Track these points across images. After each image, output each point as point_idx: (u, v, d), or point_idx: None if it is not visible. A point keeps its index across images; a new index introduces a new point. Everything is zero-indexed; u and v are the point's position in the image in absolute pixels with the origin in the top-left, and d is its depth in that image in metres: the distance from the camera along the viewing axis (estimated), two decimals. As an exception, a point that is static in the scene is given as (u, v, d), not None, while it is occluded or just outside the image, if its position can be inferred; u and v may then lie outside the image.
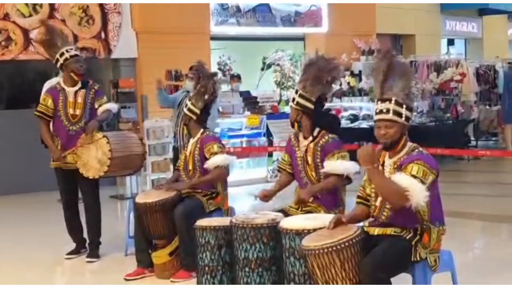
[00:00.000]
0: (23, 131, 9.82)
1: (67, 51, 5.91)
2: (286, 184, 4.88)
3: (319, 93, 4.60)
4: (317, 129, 4.64)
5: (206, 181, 5.36)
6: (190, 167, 5.43)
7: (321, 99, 4.66)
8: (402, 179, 3.50)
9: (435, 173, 3.59)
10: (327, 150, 4.56)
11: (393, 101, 3.65)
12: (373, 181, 3.67)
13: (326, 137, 4.60)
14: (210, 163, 5.29)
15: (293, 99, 4.68)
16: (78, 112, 5.94)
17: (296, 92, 4.67)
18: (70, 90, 5.96)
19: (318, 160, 4.60)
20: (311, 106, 4.61)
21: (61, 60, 5.90)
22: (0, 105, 11.23)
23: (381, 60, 3.75)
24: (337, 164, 4.49)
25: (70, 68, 5.92)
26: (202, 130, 5.47)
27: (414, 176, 3.51)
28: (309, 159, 4.62)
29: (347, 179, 4.54)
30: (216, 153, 5.29)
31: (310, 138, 4.64)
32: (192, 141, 5.49)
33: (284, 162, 4.87)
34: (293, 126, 4.74)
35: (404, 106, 3.67)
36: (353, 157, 4.70)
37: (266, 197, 4.74)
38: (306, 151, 4.64)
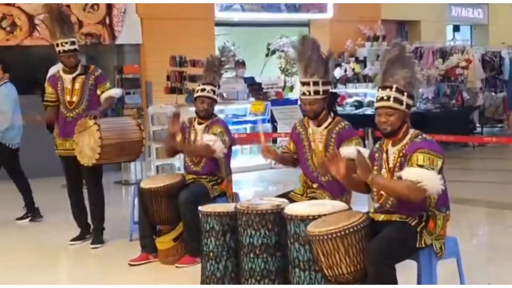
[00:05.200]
0: (28, 116, 9.81)
1: (62, 44, 5.82)
2: (287, 161, 4.76)
3: (331, 73, 4.54)
4: (331, 114, 4.56)
5: (189, 151, 5.41)
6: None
7: None
8: (410, 173, 3.50)
9: (442, 157, 3.58)
10: (345, 136, 4.47)
11: (394, 88, 3.64)
12: (382, 188, 3.65)
13: (343, 124, 4.52)
14: (204, 139, 5.28)
15: (317, 92, 4.42)
16: (75, 98, 5.92)
17: (317, 83, 4.42)
18: (67, 78, 5.95)
19: (331, 147, 4.48)
20: (330, 88, 4.56)
21: (56, 50, 5.89)
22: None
23: (389, 50, 3.73)
24: (355, 149, 4.41)
25: (61, 60, 5.96)
26: (213, 114, 5.52)
27: (421, 166, 3.49)
28: (320, 146, 4.53)
29: None
30: (215, 135, 5.28)
31: (325, 124, 4.53)
32: (200, 127, 5.45)
33: (288, 148, 4.78)
34: (316, 118, 4.51)
35: (405, 93, 3.65)
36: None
37: (268, 152, 4.61)
38: (316, 138, 4.55)
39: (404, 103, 3.65)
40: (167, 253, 5.32)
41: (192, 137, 5.47)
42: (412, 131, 3.72)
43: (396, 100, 3.64)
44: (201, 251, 4.67)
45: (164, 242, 5.32)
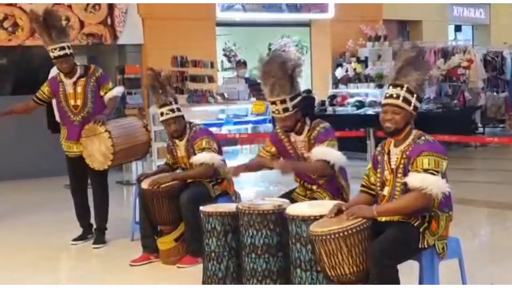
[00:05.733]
0: (30, 116, 9.80)
1: (51, 51, 5.78)
2: (263, 166, 4.75)
3: (298, 84, 4.47)
4: (308, 121, 4.53)
5: (189, 176, 5.33)
6: (188, 167, 5.40)
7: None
8: (414, 180, 3.49)
9: (447, 159, 3.57)
10: (318, 139, 4.46)
11: (404, 88, 3.62)
12: (390, 213, 3.63)
13: (318, 128, 4.50)
14: (195, 159, 5.24)
15: (286, 109, 4.37)
16: (79, 102, 5.89)
17: (284, 101, 4.36)
18: (68, 82, 5.91)
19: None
20: (300, 98, 4.48)
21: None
22: (6, 90, 11.23)
23: (409, 50, 3.71)
24: (325, 151, 4.39)
25: (56, 65, 5.94)
26: (186, 125, 5.40)
27: (426, 170, 3.49)
28: (305, 153, 4.54)
29: (332, 168, 4.42)
30: (204, 149, 5.24)
31: (305, 132, 4.52)
32: (181, 143, 5.40)
33: (266, 152, 4.73)
34: (292, 131, 4.54)
35: (415, 95, 3.64)
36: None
37: (236, 171, 4.68)
38: (301, 146, 4.54)
39: (413, 104, 3.63)
40: (169, 253, 5.32)
41: (179, 154, 5.44)
42: (415, 132, 3.70)
43: (405, 100, 3.62)
44: (202, 252, 4.67)
45: (165, 243, 5.32)
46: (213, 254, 4.53)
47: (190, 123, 5.48)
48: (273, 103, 4.43)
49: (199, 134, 5.36)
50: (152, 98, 5.71)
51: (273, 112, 4.50)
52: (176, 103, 5.39)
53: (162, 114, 5.33)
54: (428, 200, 3.50)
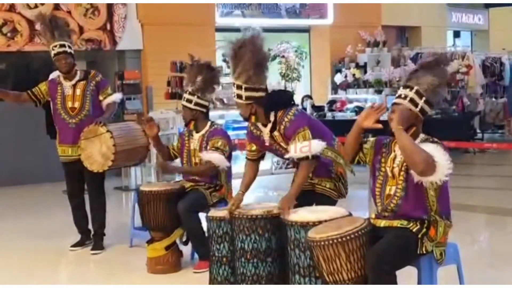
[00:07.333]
0: (28, 122, 9.85)
1: (52, 48, 5.82)
2: (257, 170, 4.70)
3: (266, 78, 4.39)
4: (272, 113, 4.40)
5: (193, 173, 5.35)
6: (197, 160, 5.37)
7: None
8: (426, 148, 3.50)
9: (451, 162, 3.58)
10: (288, 136, 4.35)
11: (414, 90, 3.65)
12: (403, 141, 3.54)
13: (284, 122, 4.36)
14: (206, 156, 5.22)
15: (239, 96, 4.30)
16: (76, 104, 5.89)
17: (240, 87, 4.28)
18: (67, 84, 5.92)
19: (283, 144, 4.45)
20: (263, 94, 4.36)
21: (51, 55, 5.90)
22: (5, 96, 11.23)
23: (427, 56, 3.75)
24: (302, 146, 4.24)
25: (56, 64, 5.95)
26: (210, 123, 5.43)
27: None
28: (284, 145, 4.44)
29: (316, 158, 4.31)
30: (217, 148, 5.23)
31: (270, 125, 4.42)
32: (197, 135, 5.40)
33: (253, 153, 4.65)
34: (249, 120, 4.47)
35: (424, 98, 3.65)
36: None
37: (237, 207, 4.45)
38: (275, 140, 4.44)
39: (420, 106, 3.66)
40: (157, 261, 5.26)
41: (192, 146, 5.41)
42: (422, 135, 3.72)
43: (412, 101, 3.65)
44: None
45: (155, 250, 5.24)
46: (213, 258, 4.52)
47: (212, 121, 5.48)
48: (233, 85, 4.37)
49: (219, 132, 5.36)
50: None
51: (234, 94, 4.44)
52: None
53: (190, 100, 5.32)
54: (430, 168, 3.44)
